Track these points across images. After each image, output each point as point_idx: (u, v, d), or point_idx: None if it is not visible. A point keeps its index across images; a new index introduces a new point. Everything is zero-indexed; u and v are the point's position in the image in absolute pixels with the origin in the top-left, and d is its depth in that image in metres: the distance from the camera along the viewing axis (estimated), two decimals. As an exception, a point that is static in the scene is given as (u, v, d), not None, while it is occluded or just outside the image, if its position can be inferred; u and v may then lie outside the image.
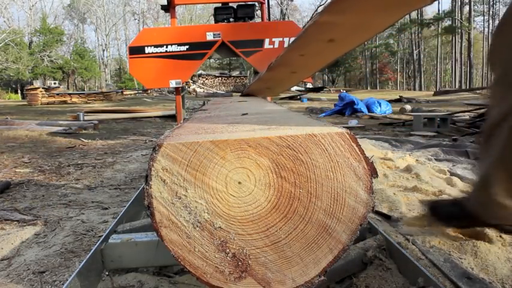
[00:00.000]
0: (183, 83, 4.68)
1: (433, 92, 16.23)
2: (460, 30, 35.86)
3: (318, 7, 39.69)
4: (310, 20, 1.07)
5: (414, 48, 39.73)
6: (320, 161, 0.85)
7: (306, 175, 0.85)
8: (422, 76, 38.50)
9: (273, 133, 0.84)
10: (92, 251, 1.30)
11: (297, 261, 0.87)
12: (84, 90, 32.65)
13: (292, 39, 4.75)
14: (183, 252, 0.84)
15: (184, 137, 0.86)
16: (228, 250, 0.85)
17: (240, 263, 0.86)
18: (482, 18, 42.89)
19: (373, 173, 0.86)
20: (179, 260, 0.84)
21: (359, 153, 0.86)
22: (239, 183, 0.84)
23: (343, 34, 1.08)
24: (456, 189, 2.48)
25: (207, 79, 27.84)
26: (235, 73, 30.33)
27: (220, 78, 28.60)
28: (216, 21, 4.73)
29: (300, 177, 0.85)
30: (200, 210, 0.84)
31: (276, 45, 4.58)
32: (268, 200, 0.85)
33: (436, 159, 3.55)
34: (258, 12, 5.36)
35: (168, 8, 4.80)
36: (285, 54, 1.39)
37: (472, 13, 37.27)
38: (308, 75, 2.00)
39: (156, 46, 4.48)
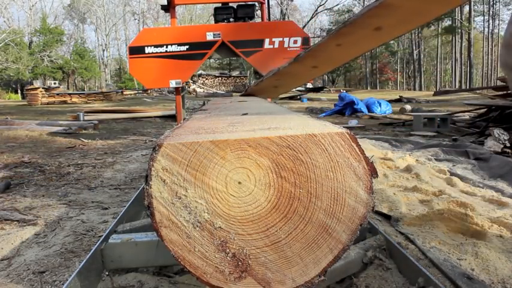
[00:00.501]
0: (183, 83, 4.68)
1: (433, 92, 16.21)
2: (460, 30, 35.85)
3: (318, 7, 39.68)
4: (365, 7, 1.05)
5: (414, 48, 39.73)
6: (320, 161, 0.84)
7: (306, 175, 0.85)
8: (422, 76, 38.49)
9: (273, 133, 0.84)
10: (92, 251, 1.30)
11: (297, 261, 0.87)
12: (84, 90, 32.66)
13: (292, 39, 4.76)
14: (183, 252, 0.84)
15: (184, 137, 0.86)
16: (228, 250, 0.85)
17: (240, 263, 0.86)
18: (482, 18, 42.89)
19: (373, 173, 0.86)
20: (179, 260, 0.84)
21: (359, 153, 0.86)
22: (239, 183, 0.84)
23: (395, 21, 1.06)
24: (456, 189, 2.48)
25: (207, 79, 27.84)
26: (235, 73, 30.33)
27: (220, 78, 28.60)
28: (216, 21, 4.73)
29: (300, 177, 0.85)
30: (200, 210, 0.84)
31: (276, 45, 4.58)
32: (268, 200, 0.85)
33: (436, 159, 3.55)
34: (258, 12, 5.36)
35: (168, 8, 4.79)
36: (321, 44, 1.37)
37: (472, 13, 37.26)
38: (328, 70, 1.98)
39: (156, 46, 4.48)
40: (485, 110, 5.94)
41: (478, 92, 7.60)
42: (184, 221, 0.84)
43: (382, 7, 0.98)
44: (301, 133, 0.83)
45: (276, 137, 0.83)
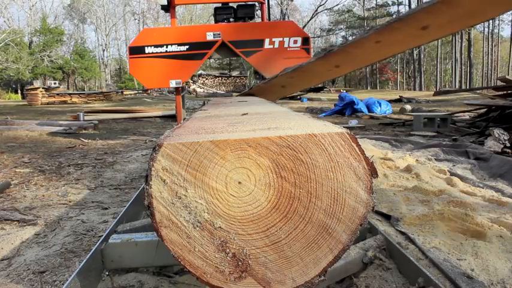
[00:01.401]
0: (183, 83, 4.69)
1: (433, 92, 16.20)
2: (460, 30, 35.83)
3: (318, 7, 39.67)
4: (424, 2, 1.04)
5: (414, 48, 39.72)
6: (320, 161, 0.84)
7: (306, 175, 0.85)
8: (422, 76, 38.48)
9: (273, 133, 0.84)
10: (92, 251, 1.30)
11: (297, 261, 0.87)
12: (84, 90, 32.65)
13: (292, 39, 4.76)
14: (183, 252, 0.84)
15: (184, 137, 0.86)
16: (228, 250, 0.85)
17: (240, 263, 0.86)
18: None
19: (373, 173, 0.86)
20: (179, 260, 0.84)
21: (359, 153, 0.86)
22: (239, 183, 0.84)
23: (445, 20, 1.04)
24: (456, 189, 2.48)
25: (207, 79, 27.83)
26: (235, 73, 30.31)
27: (220, 78, 28.59)
28: (216, 21, 4.73)
29: (300, 177, 0.85)
30: (200, 210, 0.84)
31: (276, 45, 4.59)
32: (268, 200, 0.85)
33: (436, 159, 3.55)
34: (258, 12, 5.36)
35: (168, 8, 4.80)
36: (360, 40, 1.35)
37: (472, 13, 37.19)
38: (348, 71, 1.97)
39: (156, 46, 4.48)
40: (485, 110, 5.94)
41: (478, 92, 7.60)
42: (184, 221, 0.84)
43: (444, 3, 0.96)
44: (301, 133, 0.83)
45: (276, 137, 0.83)
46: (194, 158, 0.82)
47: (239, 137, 0.83)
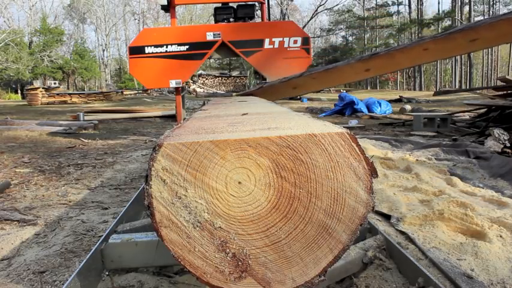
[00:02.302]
0: (183, 83, 4.69)
1: (433, 92, 16.19)
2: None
3: (318, 7, 39.66)
4: (490, 17, 1.06)
5: (414, 48, 39.60)
6: (320, 161, 0.84)
7: (306, 175, 0.85)
8: (422, 76, 38.46)
9: (273, 133, 0.84)
10: (92, 251, 1.30)
11: (297, 261, 0.87)
12: (84, 90, 32.64)
13: (292, 39, 4.76)
14: (183, 252, 0.84)
15: (184, 137, 0.86)
16: (228, 250, 0.85)
17: (240, 263, 0.86)
18: (482, 18, 42.91)
19: (373, 173, 0.86)
20: (179, 259, 0.84)
21: (359, 153, 0.85)
22: (239, 183, 0.84)
23: (495, 34, 1.06)
24: (456, 189, 2.48)
25: (207, 79, 27.82)
26: (235, 73, 30.29)
27: (220, 78, 28.57)
28: (216, 21, 4.73)
29: (300, 177, 0.85)
30: (200, 210, 0.84)
31: (276, 45, 4.59)
32: (268, 200, 0.85)
33: (436, 159, 3.55)
34: (258, 12, 5.36)
35: (168, 8, 4.80)
36: (408, 46, 1.36)
37: (472, 13, 37.25)
38: (377, 75, 1.99)
39: (156, 46, 4.48)
40: (485, 110, 5.94)
41: (478, 92, 7.60)
42: (184, 221, 0.84)
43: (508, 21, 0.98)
44: (301, 133, 0.83)
45: (276, 137, 0.83)
46: (194, 158, 0.82)
47: (239, 137, 0.83)
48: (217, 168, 0.83)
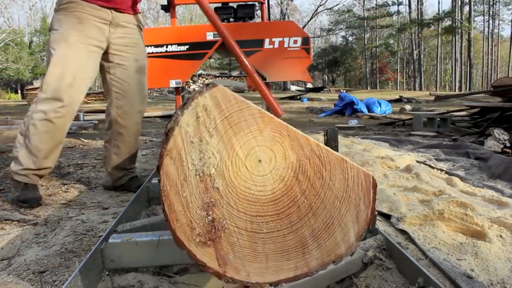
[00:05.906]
0: (183, 83, 4.69)
1: (432, 93, 16.22)
2: (460, 30, 35.81)
3: (318, 7, 39.67)
4: None
5: (414, 48, 39.71)
6: (336, 185, 0.86)
7: (317, 190, 0.86)
8: (422, 76, 38.46)
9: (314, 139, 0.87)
10: (92, 250, 1.30)
11: (262, 260, 0.87)
12: (84, 90, 32.54)
13: (292, 39, 4.76)
14: (171, 190, 0.83)
15: (237, 95, 0.86)
16: (210, 213, 0.84)
17: (213, 231, 0.84)
18: (482, 18, 42.87)
19: (371, 224, 0.88)
20: (163, 194, 0.83)
21: (371, 200, 0.87)
22: (259, 161, 0.85)
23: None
24: (456, 189, 2.48)
25: (207, 79, 27.84)
26: (235, 73, 30.31)
27: (220, 78, 28.60)
28: (216, 21, 4.72)
29: (311, 189, 0.86)
30: (210, 162, 0.83)
31: (276, 45, 4.59)
32: (273, 192, 0.86)
33: (436, 159, 3.55)
34: (258, 12, 5.36)
35: (168, 7, 4.80)
36: None
37: (472, 13, 37.25)
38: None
39: (156, 46, 4.48)
40: (479, 109, 5.96)
41: (476, 93, 7.59)
42: (190, 163, 0.83)
43: None
44: (336, 153, 0.86)
45: (315, 143, 0.85)
46: (236, 115, 0.83)
47: (283, 123, 0.85)
48: (249, 136, 0.83)
